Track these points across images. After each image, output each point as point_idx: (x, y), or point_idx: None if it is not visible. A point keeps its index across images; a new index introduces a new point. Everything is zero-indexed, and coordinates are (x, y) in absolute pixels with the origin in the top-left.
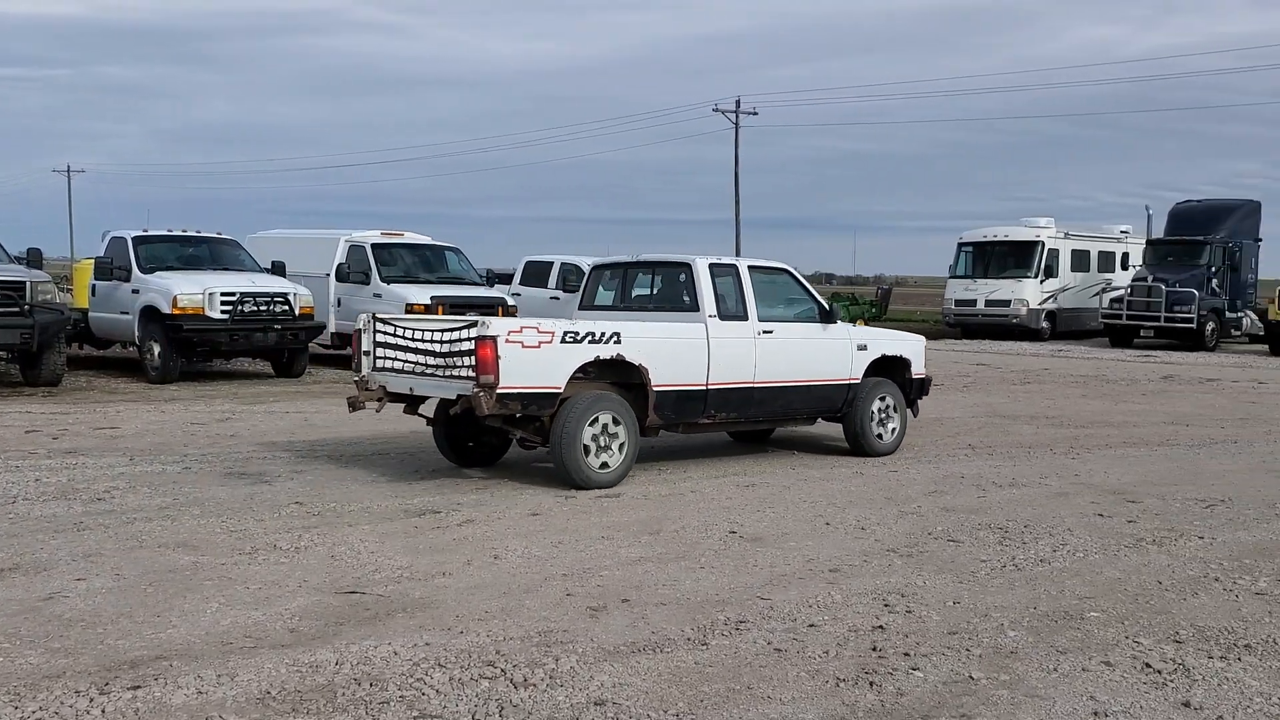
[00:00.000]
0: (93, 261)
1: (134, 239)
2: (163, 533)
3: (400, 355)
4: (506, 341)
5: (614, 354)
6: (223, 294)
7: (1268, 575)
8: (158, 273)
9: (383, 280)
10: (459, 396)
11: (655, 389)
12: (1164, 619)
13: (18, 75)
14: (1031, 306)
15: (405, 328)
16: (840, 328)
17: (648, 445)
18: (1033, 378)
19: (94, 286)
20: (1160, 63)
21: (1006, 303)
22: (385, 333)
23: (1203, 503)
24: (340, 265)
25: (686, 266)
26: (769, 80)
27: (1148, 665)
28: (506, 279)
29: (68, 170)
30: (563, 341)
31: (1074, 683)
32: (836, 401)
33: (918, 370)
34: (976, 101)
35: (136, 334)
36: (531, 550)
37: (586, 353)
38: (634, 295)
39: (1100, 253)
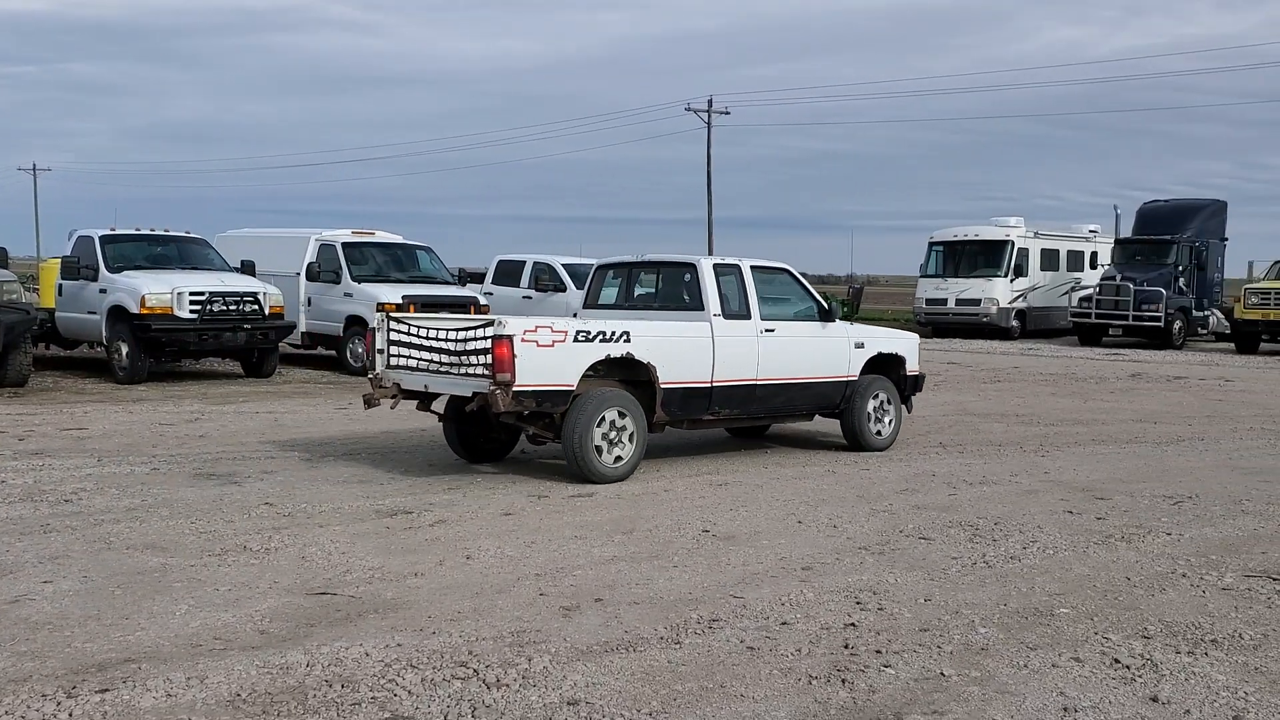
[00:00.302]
0: (59, 261)
1: (101, 238)
2: (131, 534)
3: (414, 353)
4: (522, 340)
5: (624, 352)
6: (191, 293)
7: (1234, 570)
8: (125, 272)
9: (354, 279)
10: (475, 394)
11: (663, 386)
12: (1132, 615)
13: None
14: (1001, 305)
15: (419, 326)
16: (839, 326)
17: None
18: (1003, 376)
19: (61, 286)
20: (1129, 63)
21: (977, 302)
22: (399, 331)
23: (1170, 499)
24: (311, 264)
25: (691, 267)
26: (740, 80)
27: (1116, 661)
28: (479, 278)
29: (34, 169)
30: (575, 340)
31: (1044, 679)
32: (835, 398)
33: (912, 367)
34: (947, 101)
35: (104, 334)
36: (504, 550)
37: (597, 351)
38: (638, 295)
39: (1069, 252)
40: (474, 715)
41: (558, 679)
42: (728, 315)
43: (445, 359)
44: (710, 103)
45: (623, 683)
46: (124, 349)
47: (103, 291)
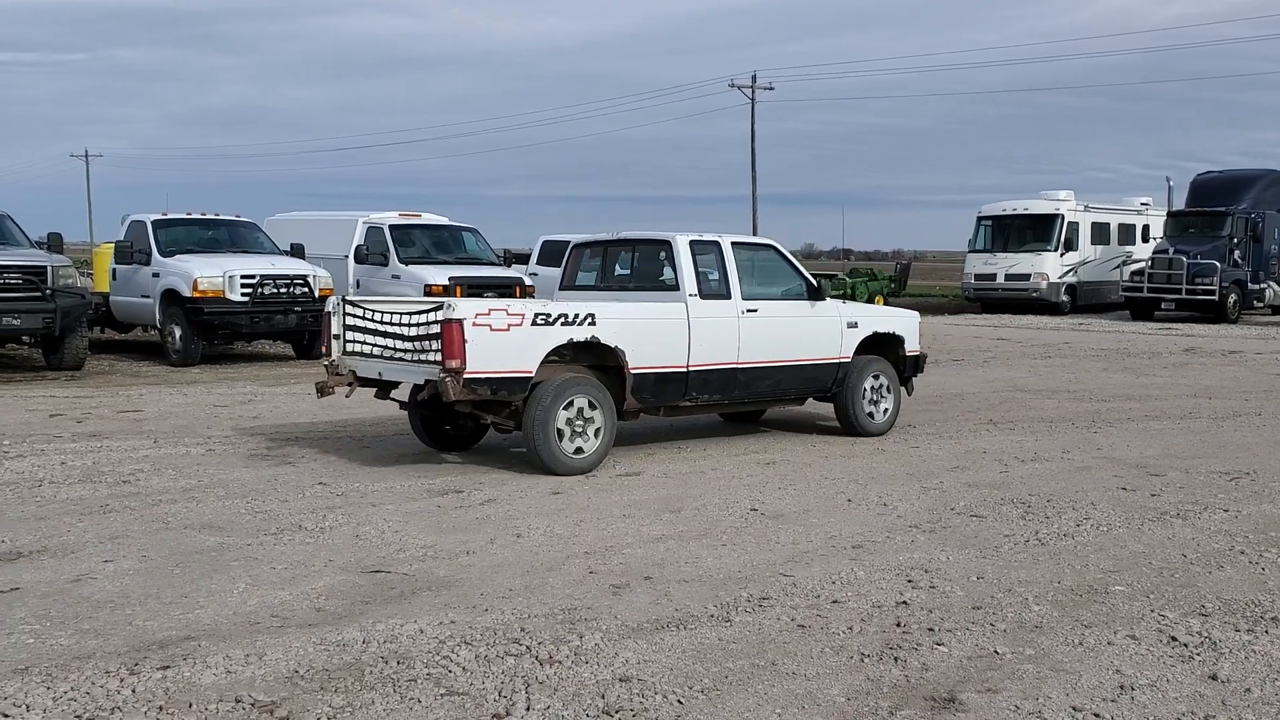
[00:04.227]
0: (113, 246)
1: (153, 222)
2: (188, 514)
3: (370, 339)
4: (474, 324)
5: (588, 336)
6: (242, 276)
7: None
8: (177, 256)
9: (401, 261)
10: (427, 381)
11: (633, 371)
12: (1189, 592)
13: (35, 61)
14: (1051, 280)
15: (375, 311)
16: (829, 305)
17: (665, 425)
18: (1053, 352)
19: (114, 270)
20: (1184, 31)
21: (1026, 276)
22: (355, 316)
23: (1226, 475)
24: (359, 247)
25: (666, 244)
26: (785, 55)
27: (1174, 639)
28: (524, 259)
29: (85, 155)
30: (534, 324)
31: (1100, 656)
32: (826, 381)
33: (911, 347)
34: (996, 74)
35: (157, 317)
36: (553, 529)
37: (559, 335)
38: (615, 275)
39: (1120, 225)
40: (528, 691)
41: (609, 656)
42: (705, 295)
43: (400, 345)
44: (754, 78)
45: (674, 660)
46: (177, 332)
47: (155, 275)
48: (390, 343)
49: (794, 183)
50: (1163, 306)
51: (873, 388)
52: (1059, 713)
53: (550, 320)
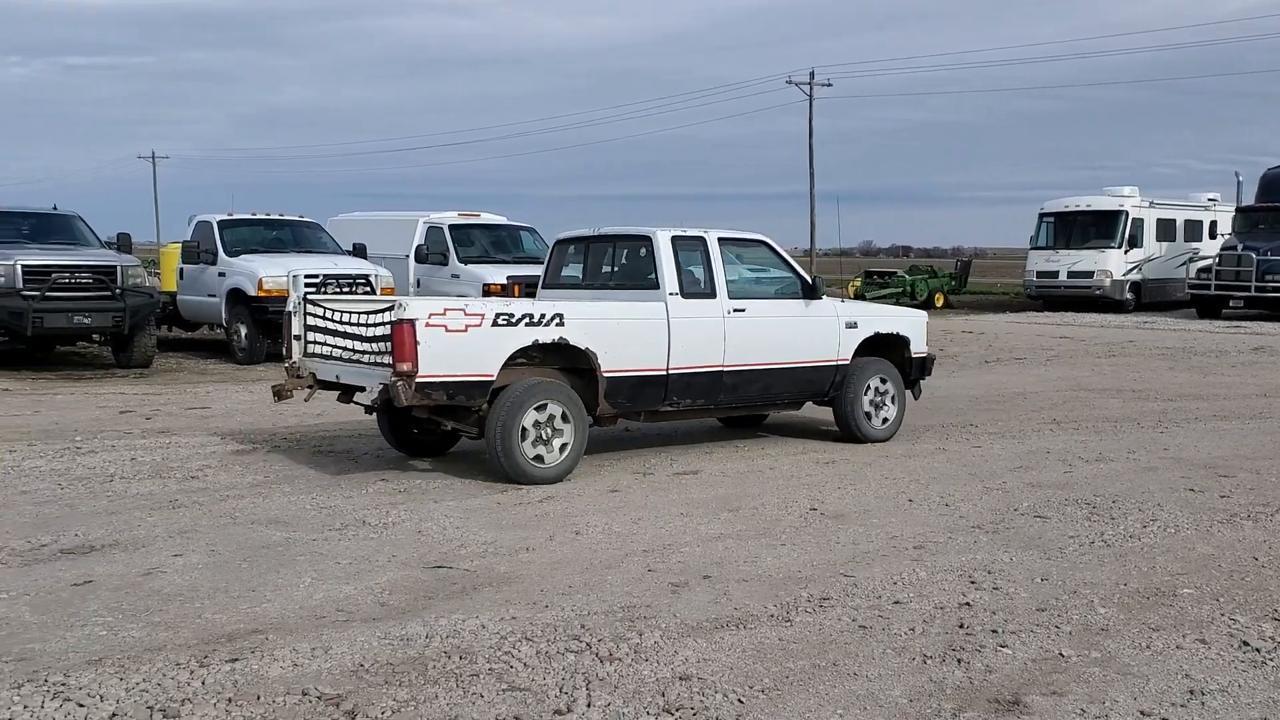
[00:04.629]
0: (179, 245)
1: (219, 223)
2: (255, 509)
3: (331, 340)
4: (427, 325)
5: (555, 338)
6: (306, 276)
7: None
8: (243, 256)
9: (460, 261)
10: (382, 386)
11: (606, 375)
12: (1261, 596)
13: (104, 64)
14: (1115, 277)
15: (335, 310)
16: (826, 304)
17: (721, 425)
18: (1118, 350)
19: (181, 270)
20: (1252, 22)
21: (1090, 274)
22: (315, 315)
23: None
24: (419, 246)
25: (646, 240)
26: (841, 50)
27: (1245, 643)
28: None
29: (153, 156)
30: (494, 324)
31: (1168, 661)
32: (823, 384)
33: (918, 349)
34: (1057, 69)
35: (223, 316)
36: (611, 526)
37: (523, 336)
38: (597, 272)
39: (1187, 221)
40: (588, 688)
41: (669, 654)
42: (688, 294)
43: (359, 346)
44: (812, 75)
45: (734, 659)
46: (242, 331)
47: (221, 275)
48: (349, 344)
49: (851, 179)
50: (1231, 304)
51: (875, 391)
52: (1126, 717)
53: (513, 320)
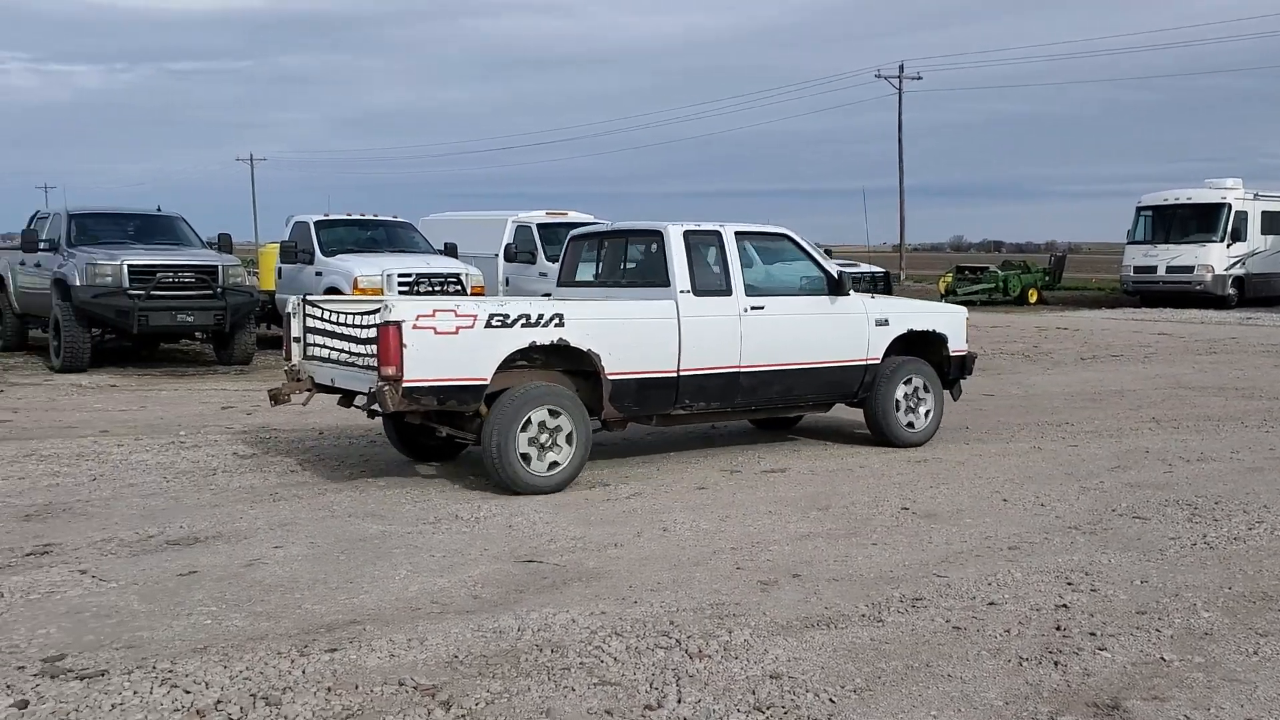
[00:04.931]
0: (277, 245)
1: (316, 223)
2: (352, 503)
3: (328, 342)
4: (414, 327)
5: (555, 339)
6: (399, 275)
7: None
8: (338, 255)
9: (548, 259)
10: (371, 390)
11: (610, 377)
12: None
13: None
14: (1217, 272)
15: (332, 312)
16: (854, 300)
17: (809, 421)
18: (1219, 347)
19: (280, 269)
20: None
21: (1190, 269)
22: (314, 317)
23: None
24: (508, 245)
25: (658, 235)
26: (932, 43)
27: None
28: None
29: (251, 158)
30: (488, 326)
31: (1277, 667)
32: (851, 386)
33: (957, 347)
34: (1153, 58)
35: None
36: (699, 524)
37: (519, 338)
38: (610, 269)
39: None
40: (678, 684)
41: (759, 652)
42: (700, 291)
43: (354, 349)
44: (901, 68)
45: (825, 659)
46: None
47: (318, 274)
48: (346, 346)
49: (941, 174)
50: None
51: (908, 393)
52: None
53: (508, 322)
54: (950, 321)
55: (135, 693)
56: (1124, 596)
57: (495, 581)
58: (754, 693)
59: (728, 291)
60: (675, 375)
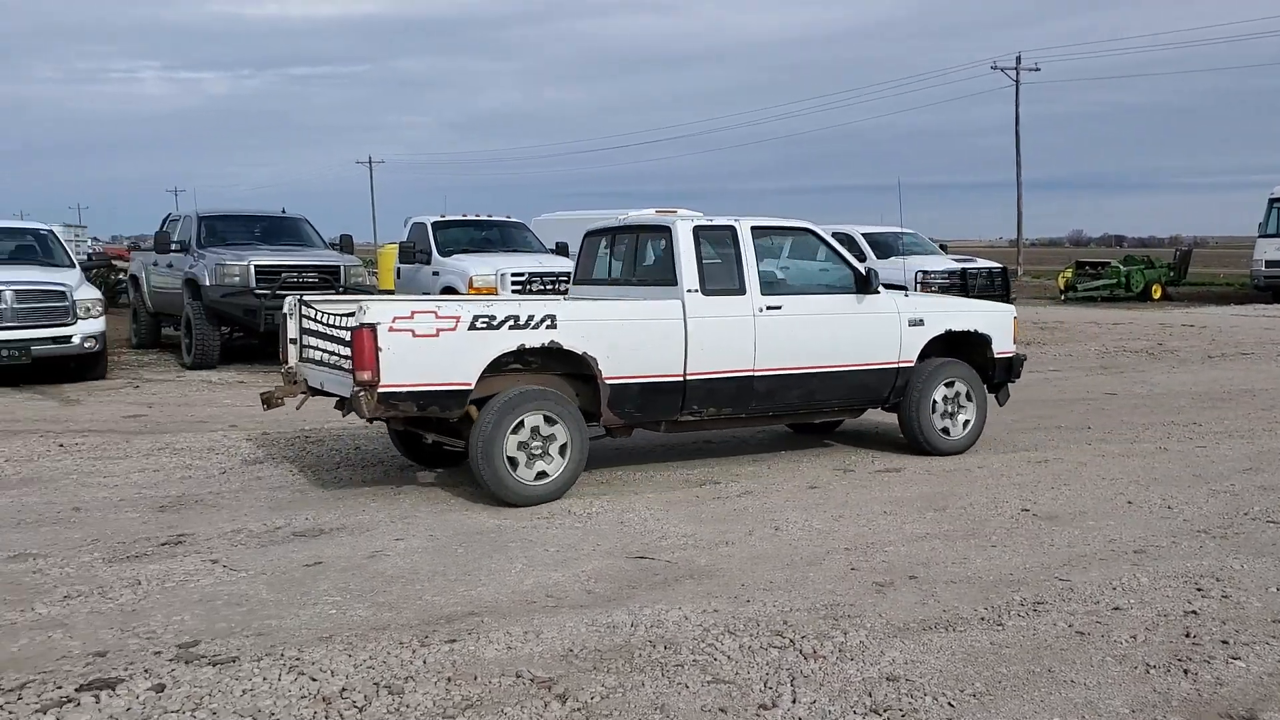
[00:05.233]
0: (395, 246)
1: (433, 224)
2: (469, 497)
3: (321, 345)
4: (391, 330)
5: (546, 341)
6: (513, 274)
7: None
8: (454, 255)
9: None
10: (352, 395)
11: (609, 381)
12: None
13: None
14: None
15: (322, 312)
16: (884, 299)
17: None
18: None
19: (398, 270)
20: None
21: None
22: (308, 318)
23: None
24: None
25: (666, 231)
26: (1049, 34)
27: None
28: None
29: (369, 161)
30: (472, 328)
31: None
32: (881, 390)
33: (1003, 348)
34: None
35: None
36: (812, 523)
37: (506, 340)
38: (623, 267)
39: None
40: (793, 684)
41: (875, 654)
42: (710, 290)
43: (342, 351)
44: (1018, 59)
45: (943, 662)
46: None
47: (435, 274)
48: (333, 348)
49: (1060, 167)
50: None
51: (947, 398)
52: None
53: (494, 324)
54: (995, 321)
55: (265, 679)
56: (1258, 604)
57: (608, 577)
58: (870, 695)
59: (741, 290)
60: (681, 379)
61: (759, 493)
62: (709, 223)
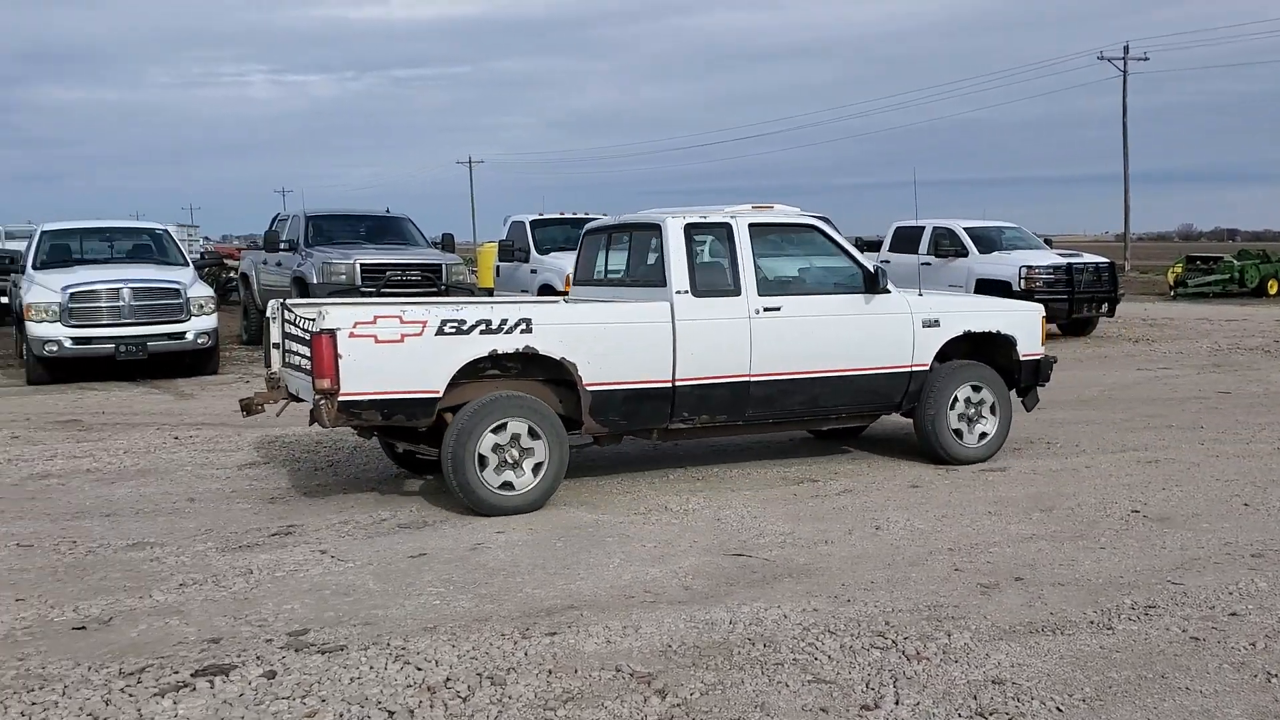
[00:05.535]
0: (494, 244)
1: (531, 222)
2: (567, 493)
3: (299, 349)
4: (351, 335)
5: (520, 346)
6: None
7: None
8: (552, 253)
9: None
10: (314, 403)
11: (589, 388)
12: None
13: (426, 75)
14: None
15: (299, 316)
16: (895, 298)
17: (1030, 420)
18: None
19: (498, 268)
20: None
21: None
22: (289, 322)
23: None
24: None
25: (656, 229)
26: (1157, 22)
27: None
28: (875, 246)
29: (469, 161)
30: (440, 334)
31: None
32: (892, 395)
33: (1029, 350)
34: None
35: None
36: (914, 523)
37: (477, 346)
38: (617, 267)
39: None
40: (895, 686)
41: (980, 657)
42: (702, 291)
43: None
44: (1126, 49)
45: (1051, 666)
46: None
47: (533, 272)
48: (306, 352)
49: (1168, 159)
50: None
51: (966, 402)
52: None
53: (464, 328)
54: (1019, 321)
55: (371, 668)
56: None
57: (705, 573)
58: (975, 698)
59: (736, 291)
60: (670, 385)
61: (859, 491)
62: (702, 220)
